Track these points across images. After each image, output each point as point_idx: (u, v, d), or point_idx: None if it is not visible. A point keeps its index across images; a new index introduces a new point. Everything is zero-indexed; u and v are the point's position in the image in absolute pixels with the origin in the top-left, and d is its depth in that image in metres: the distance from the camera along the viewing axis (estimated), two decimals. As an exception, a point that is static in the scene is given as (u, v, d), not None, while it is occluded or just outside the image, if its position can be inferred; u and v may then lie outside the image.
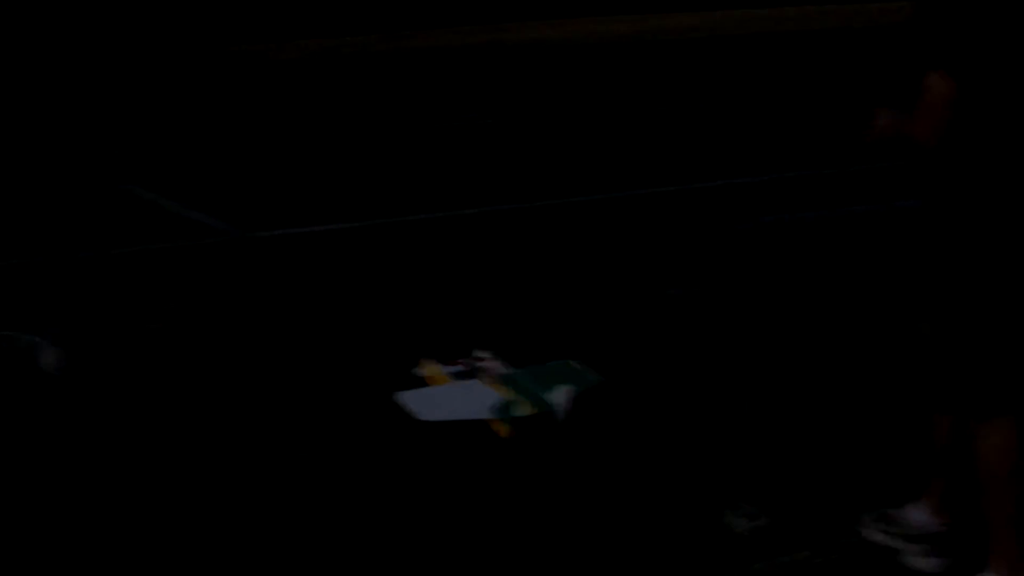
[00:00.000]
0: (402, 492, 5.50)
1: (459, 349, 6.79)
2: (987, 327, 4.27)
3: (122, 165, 13.36)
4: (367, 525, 5.22)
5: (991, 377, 4.31)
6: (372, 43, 25.22)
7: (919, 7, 4.21)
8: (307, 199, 11.69)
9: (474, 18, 28.04)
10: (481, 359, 6.58)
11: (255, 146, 14.72)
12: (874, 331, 6.97)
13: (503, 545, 5.04)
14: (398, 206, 11.20)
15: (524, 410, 6.04)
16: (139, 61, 22.81)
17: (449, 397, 6.26)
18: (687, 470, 5.61)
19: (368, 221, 10.64)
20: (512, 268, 9.07)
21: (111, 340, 7.50)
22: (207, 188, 12.29)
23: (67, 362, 6.81)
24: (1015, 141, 4.20)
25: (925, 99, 4.14)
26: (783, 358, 6.77)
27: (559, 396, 6.07)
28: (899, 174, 4.24)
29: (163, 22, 25.82)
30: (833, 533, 4.93)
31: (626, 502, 5.34)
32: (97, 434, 6.16)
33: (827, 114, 14.61)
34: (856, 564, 4.79)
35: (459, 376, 6.48)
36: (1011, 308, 4.27)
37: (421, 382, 6.52)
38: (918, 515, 4.78)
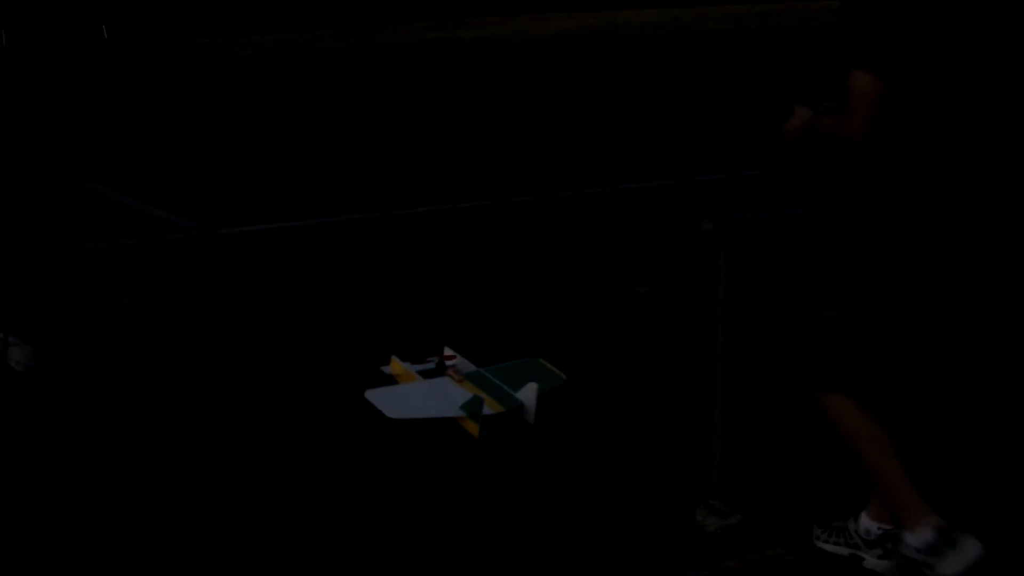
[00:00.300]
0: (372, 490, 5.52)
1: (427, 347, 6.81)
2: (883, 313, 4.41)
3: (80, 161, 13.26)
4: (336, 523, 5.24)
5: (871, 356, 4.47)
6: (326, 39, 25.12)
7: (844, 6, 4.31)
8: (269, 195, 11.65)
9: (428, 15, 27.98)
10: (449, 357, 6.59)
11: (216, 142, 14.65)
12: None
13: (474, 543, 5.07)
14: (359, 203, 11.19)
15: (492, 408, 6.06)
16: (96, 56, 22.63)
17: (418, 395, 6.27)
18: (658, 468, 5.66)
19: (329, 218, 10.62)
20: (478, 265, 9.09)
21: (80, 337, 7.47)
22: (167, 184, 12.23)
23: (36, 360, 6.78)
24: (938, 138, 4.32)
25: (853, 97, 4.23)
26: (756, 354, 6.82)
27: (527, 394, 6.09)
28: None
29: (118, 16, 25.63)
30: (805, 530, 4.99)
31: (597, 500, 5.38)
32: (67, 432, 6.15)
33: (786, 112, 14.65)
34: (827, 561, 4.86)
35: (427, 374, 6.49)
36: (909, 298, 4.41)
37: (390, 380, 6.53)
38: (867, 522, 4.85)
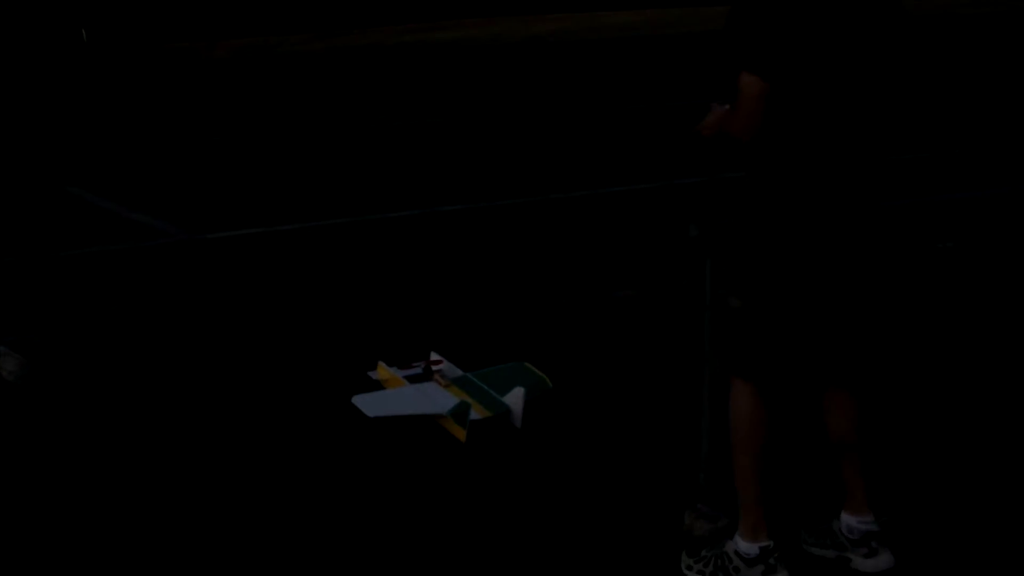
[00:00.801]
0: (360, 496, 5.53)
1: (414, 352, 6.82)
2: (780, 300, 4.56)
3: (64, 166, 13.24)
4: (325, 528, 5.26)
5: (767, 346, 4.61)
6: (307, 41, 25.12)
7: (733, 8, 4.44)
8: (253, 199, 11.65)
9: (409, 17, 27.99)
10: (436, 362, 6.61)
11: (198, 146, 14.64)
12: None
13: (462, 548, 5.09)
14: (343, 207, 11.19)
15: (479, 413, 6.08)
16: (76, 59, 22.58)
17: (405, 399, 6.28)
18: (645, 472, 5.68)
19: (314, 223, 10.63)
20: (464, 269, 9.10)
21: (70, 346, 7.46)
22: (150, 188, 12.21)
23: (27, 370, 6.77)
24: (821, 138, 4.45)
25: (739, 97, 4.38)
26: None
27: (514, 398, 6.11)
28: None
29: (98, 19, 25.58)
30: (793, 533, 5.02)
31: (584, 504, 5.41)
32: (60, 442, 6.15)
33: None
34: (813, 561, 4.90)
35: (414, 379, 6.51)
36: (804, 286, 4.55)
37: (377, 385, 6.55)
38: (848, 519, 4.91)
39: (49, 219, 10.80)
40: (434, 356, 6.65)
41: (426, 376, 6.50)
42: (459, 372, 6.53)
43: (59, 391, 6.75)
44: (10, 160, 13.58)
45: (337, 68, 21.29)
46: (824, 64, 4.41)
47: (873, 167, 4.60)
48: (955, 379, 6.71)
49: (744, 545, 4.74)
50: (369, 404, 6.19)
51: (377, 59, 22.15)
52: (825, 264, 4.56)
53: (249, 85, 19.78)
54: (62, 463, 5.91)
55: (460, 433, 5.93)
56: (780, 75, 4.36)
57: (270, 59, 22.61)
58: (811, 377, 4.86)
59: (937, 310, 7.85)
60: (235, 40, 25.13)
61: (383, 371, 6.63)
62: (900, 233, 9.12)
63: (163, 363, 7.24)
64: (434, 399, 6.22)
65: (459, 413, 5.97)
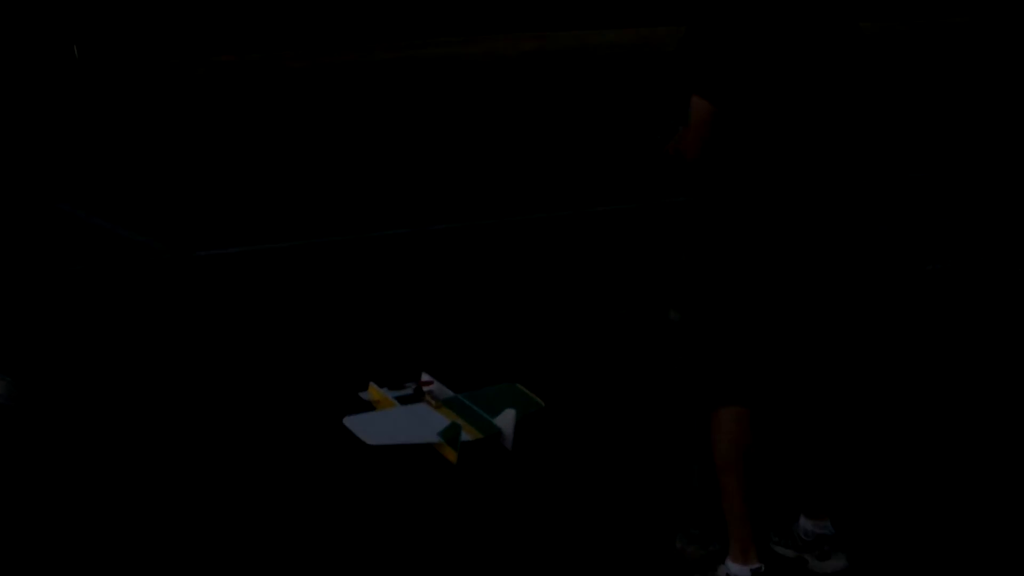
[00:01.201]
0: (351, 516, 5.53)
1: (405, 373, 6.83)
2: (730, 320, 4.63)
3: (55, 184, 13.23)
4: (316, 550, 5.25)
5: (726, 367, 4.68)
6: (296, 57, 25.15)
7: (686, 31, 4.55)
8: (245, 217, 11.65)
9: (399, 34, 28.03)
10: (427, 383, 6.60)
11: (190, 163, 14.63)
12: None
13: (453, 570, 5.09)
14: (334, 225, 11.19)
15: (470, 434, 6.08)
16: (67, 75, 22.59)
17: (396, 421, 6.28)
18: (637, 495, 5.68)
19: (306, 241, 10.63)
20: (454, 289, 9.10)
21: (58, 368, 7.44)
22: (142, 205, 12.21)
23: (17, 391, 6.75)
24: (772, 158, 4.52)
25: (690, 119, 4.48)
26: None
27: (505, 420, 6.11)
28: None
29: (90, 36, 25.60)
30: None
31: (576, 527, 5.41)
32: (49, 468, 6.14)
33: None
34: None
35: (405, 400, 6.50)
36: (754, 303, 4.61)
37: (368, 406, 6.55)
38: (804, 523, 5.04)
39: (40, 236, 10.79)
40: (425, 377, 6.65)
41: (417, 397, 6.50)
42: (450, 393, 6.52)
43: (48, 412, 6.73)
44: (2, 177, 13.57)
45: (328, 85, 21.30)
46: (775, 86, 4.46)
47: (835, 186, 4.63)
48: (930, 395, 6.75)
49: (735, 568, 4.76)
50: (360, 426, 6.18)
51: (369, 75, 22.17)
52: (762, 286, 4.60)
53: (241, 101, 19.78)
54: (51, 486, 5.90)
55: (451, 455, 5.93)
56: (729, 98, 4.44)
57: (263, 75, 22.62)
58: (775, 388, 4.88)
59: (923, 330, 7.87)
60: (227, 56, 25.15)
61: (374, 392, 6.62)
62: (885, 253, 9.17)
63: (154, 383, 7.23)
64: (425, 421, 6.21)
65: (450, 435, 5.96)
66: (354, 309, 8.65)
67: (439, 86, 20.92)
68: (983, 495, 5.63)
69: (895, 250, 9.43)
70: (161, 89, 21.22)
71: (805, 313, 4.70)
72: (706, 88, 4.44)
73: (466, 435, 6.03)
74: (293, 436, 6.38)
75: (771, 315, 4.64)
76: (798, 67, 4.47)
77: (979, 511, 5.48)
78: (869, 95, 4.72)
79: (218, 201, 12.44)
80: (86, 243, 10.63)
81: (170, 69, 23.75)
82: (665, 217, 10.99)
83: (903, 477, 5.81)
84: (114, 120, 17.99)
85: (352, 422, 6.23)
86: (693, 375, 4.84)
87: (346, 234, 10.84)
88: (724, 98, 4.43)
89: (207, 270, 9.77)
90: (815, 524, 5.01)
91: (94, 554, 5.25)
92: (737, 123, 4.47)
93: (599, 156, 14.52)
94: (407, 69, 22.86)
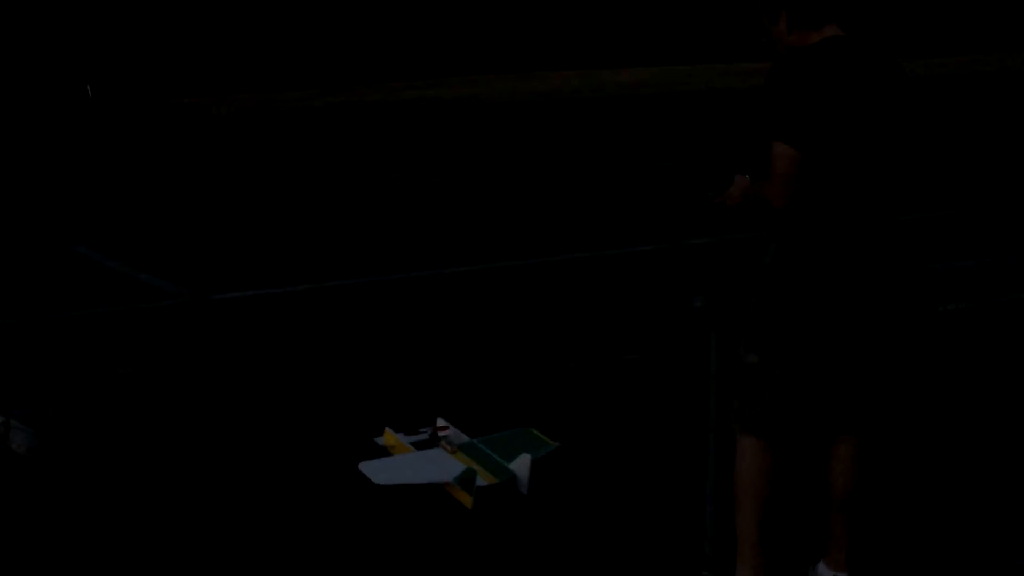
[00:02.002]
0: (367, 563, 5.55)
1: (420, 418, 6.85)
2: (800, 358, 4.74)
3: (70, 226, 13.29)
4: (336, 598, 5.27)
5: (775, 398, 4.79)
6: (311, 97, 25.24)
7: (768, 80, 4.68)
8: (260, 260, 11.69)
9: (411, 74, 28.14)
10: (442, 428, 6.63)
11: (205, 205, 14.69)
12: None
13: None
14: (350, 268, 11.24)
15: (486, 479, 6.10)
16: (82, 116, 22.70)
17: (411, 466, 6.30)
18: (651, 540, 5.69)
19: (321, 284, 10.67)
20: (470, 333, 9.12)
21: (80, 416, 7.44)
22: (156, 248, 12.26)
23: (39, 442, 6.76)
24: (850, 201, 4.66)
25: (775, 166, 4.57)
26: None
27: (520, 465, 6.13)
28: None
29: (103, 76, 25.74)
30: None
31: (592, 572, 5.42)
32: (71, 515, 6.16)
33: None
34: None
35: (421, 445, 6.52)
36: (825, 344, 4.74)
37: (383, 451, 6.57)
38: (823, 571, 5.08)
39: (58, 280, 10.84)
40: (440, 422, 6.67)
41: (432, 442, 6.52)
42: (465, 438, 6.54)
43: (70, 461, 6.75)
44: (16, 219, 13.65)
45: (340, 124, 21.37)
46: (851, 131, 4.62)
47: (896, 227, 4.78)
48: (956, 444, 6.74)
49: None
50: (376, 471, 6.20)
51: (379, 116, 22.25)
52: (847, 322, 4.72)
53: (254, 141, 19.86)
54: (70, 538, 5.92)
55: (467, 500, 5.94)
56: (811, 144, 4.56)
57: (275, 115, 22.71)
58: (821, 430, 4.98)
59: (940, 372, 7.88)
60: (240, 95, 25.26)
61: (389, 437, 6.65)
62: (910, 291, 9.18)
63: (171, 426, 7.25)
64: (440, 466, 6.23)
65: (465, 480, 5.98)
66: (369, 353, 8.67)
67: (448, 127, 21.00)
68: (992, 535, 5.63)
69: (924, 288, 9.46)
70: (176, 128, 21.30)
71: (861, 351, 4.80)
72: (791, 135, 4.56)
73: (481, 480, 6.05)
74: (309, 481, 6.40)
75: (829, 352, 4.76)
76: (870, 108, 4.65)
77: (989, 552, 5.48)
78: (922, 138, 4.85)
79: (233, 244, 12.49)
80: (104, 287, 10.67)
81: (185, 108, 23.85)
82: (679, 260, 11.03)
83: (921, 530, 5.81)
84: (128, 160, 18.06)
85: (368, 467, 6.25)
86: (743, 404, 4.91)
87: (362, 277, 10.87)
88: (807, 142, 4.55)
89: (223, 313, 9.80)
90: (836, 572, 5.04)
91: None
92: (815, 169, 4.59)
93: (612, 197, 14.55)
94: (420, 109, 22.95)
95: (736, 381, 4.93)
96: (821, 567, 5.06)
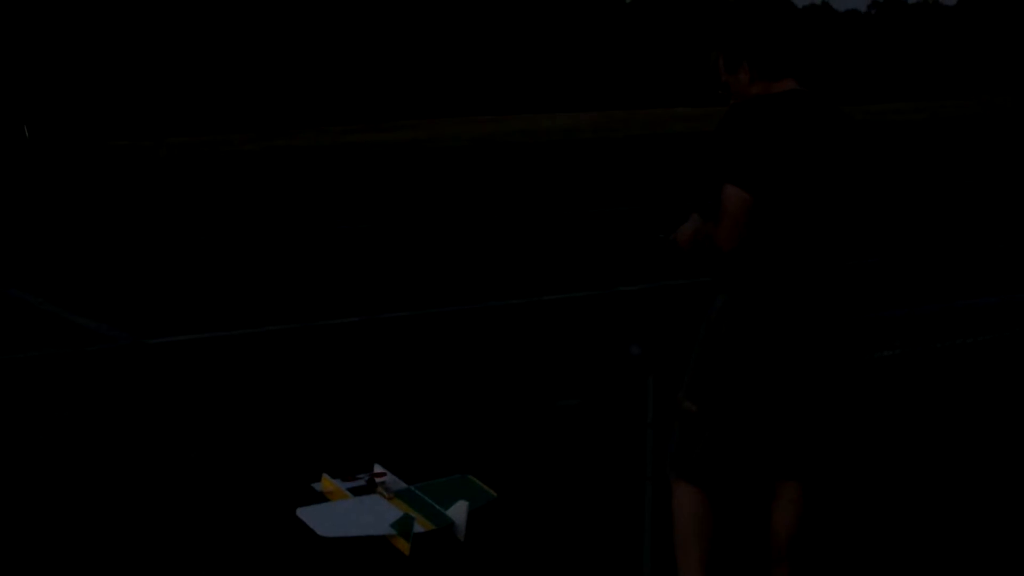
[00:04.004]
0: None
1: (358, 463, 6.84)
2: (746, 407, 4.78)
3: (4, 268, 13.19)
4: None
5: (721, 447, 4.83)
6: (248, 140, 25.21)
7: (723, 123, 4.75)
8: (196, 304, 11.65)
9: (349, 118, 28.16)
10: (379, 474, 6.62)
11: (141, 247, 14.62)
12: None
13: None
14: (284, 313, 11.22)
15: (423, 526, 6.09)
16: (17, 156, 22.56)
17: (349, 513, 6.28)
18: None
19: (257, 329, 10.64)
20: (407, 378, 9.13)
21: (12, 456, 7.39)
22: (94, 292, 12.19)
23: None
24: (798, 247, 4.73)
25: (725, 207, 4.63)
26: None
27: (458, 512, 6.13)
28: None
29: (41, 116, 25.61)
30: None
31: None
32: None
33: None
34: None
35: (358, 491, 6.51)
36: (774, 391, 4.78)
37: (321, 497, 6.55)
38: None
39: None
40: (378, 468, 6.66)
41: (370, 488, 6.51)
42: (403, 484, 6.54)
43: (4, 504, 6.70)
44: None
45: (279, 168, 21.36)
46: (802, 180, 4.69)
47: (841, 275, 4.85)
48: (899, 486, 6.80)
49: None
50: (314, 517, 6.18)
51: (318, 159, 22.26)
52: (791, 371, 4.76)
53: (192, 184, 19.81)
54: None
55: (404, 546, 5.94)
56: (762, 188, 4.62)
57: (213, 157, 22.67)
58: (760, 477, 5.01)
59: (879, 418, 7.95)
60: (178, 138, 25.21)
61: (327, 483, 6.63)
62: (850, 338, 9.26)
63: (104, 473, 7.20)
64: (378, 512, 6.22)
65: (403, 526, 5.98)
66: (307, 399, 8.65)
67: (387, 171, 21.02)
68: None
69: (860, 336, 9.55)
70: (114, 170, 21.21)
71: (802, 398, 4.84)
72: (742, 178, 4.61)
73: (419, 527, 6.04)
74: (246, 527, 6.37)
75: (772, 400, 4.79)
76: (821, 155, 4.72)
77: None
78: (872, 189, 4.92)
79: (172, 287, 12.44)
80: (38, 330, 10.60)
81: (123, 150, 23.76)
82: (616, 306, 11.08)
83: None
84: (65, 202, 17.96)
85: (305, 513, 6.23)
86: (679, 451, 4.93)
87: (299, 322, 10.86)
88: (759, 187, 4.61)
89: (158, 358, 9.75)
90: None
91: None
92: (765, 214, 4.65)
93: (550, 243, 14.60)
94: (359, 153, 22.95)
95: (673, 428, 4.96)
96: None
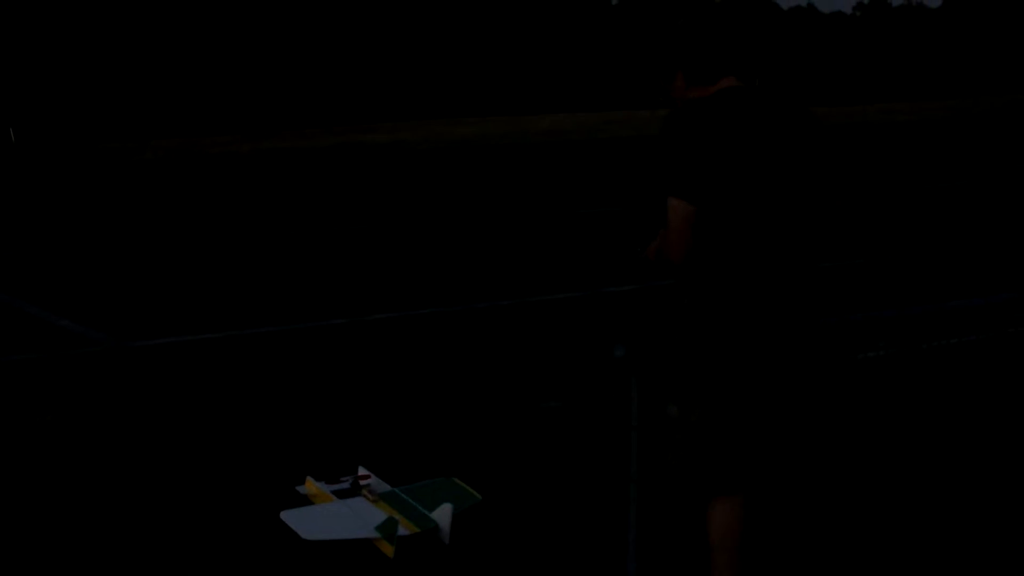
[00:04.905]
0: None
1: (342, 466, 6.83)
2: (721, 412, 4.78)
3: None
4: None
5: (720, 457, 4.82)
6: (234, 142, 25.18)
7: (661, 133, 4.71)
8: (180, 306, 11.63)
9: (337, 119, 28.14)
10: (364, 477, 6.61)
11: (126, 250, 14.59)
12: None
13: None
14: (269, 315, 11.20)
15: (407, 529, 6.08)
16: (6, 161, 22.52)
17: (333, 516, 6.27)
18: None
19: (241, 331, 10.62)
20: (392, 381, 9.11)
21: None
22: (78, 295, 12.16)
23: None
24: (751, 253, 4.69)
25: (670, 221, 4.63)
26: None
27: (442, 514, 6.12)
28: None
29: (27, 120, 25.56)
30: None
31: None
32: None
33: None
34: None
35: (342, 494, 6.50)
36: (741, 397, 4.78)
37: (305, 500, 6.54)
38: None
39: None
40: (362, 471, 6.65)
41: (354, 491, 6.49)
42: (387, 487, 6.53)
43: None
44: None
45: (266, 170, 21.34)
46: (747, 182, 4.63)
47: (804, 278, 4.81)
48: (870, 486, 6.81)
49: None
50: (298, 520, 6.17)
51: (305, 161, 22.23)
52: (758, 371, 4.75)
53: (178, 186, 19.78)
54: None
55: (388, 549, 5.93)
56: (705, 197, 4.57)
57: (200, 160, 22.64)
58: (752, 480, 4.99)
59: (865, 420, 7.96)
60: (165, 140, 25.17)
61: (311, 486, 6.62)
62: (825, 343, 9.27)
63: (87, 476, 7.18)
64: (362, 515, 6.21)
65: (387, 529, 5.97)
66: (291, 401, 8.63)
67: (373, 172, 21.00)
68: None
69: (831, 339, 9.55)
70: (100, 173, 21.17)
71: (777, 400, 4.84)
72: (683, 189, 4.58)
73: (403, 529, 6.03)
74: (230, 531, 6.35)
75: (752, 404, 4.79)
76: (769, 158, 4.66)
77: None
78: (831, 184, 4.89)
79: (156, 290, 12.42)
80: (22, 333, 10.57)
81: (109, 152, 23.72)
82: (600, 308, 11.07)
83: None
84: (51, 205, 17.92)
85: (289, 516, 6.22)
86: (689, 467, 4.92)
87: (283, 324, 10.84)
88: (700, 197, 4.58)
89: (142, 360, 9.73)
90: None
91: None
92: (712, 222, 4.62)
93: (534, 244, 14.59)
94: (345, 155, 22.94)
95: (674, 443, 4.94)
96: None
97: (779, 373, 4.77)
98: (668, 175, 4.62)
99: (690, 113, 4.67)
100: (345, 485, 6.58)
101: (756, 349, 4.71)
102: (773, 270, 4.71)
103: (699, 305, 4.72)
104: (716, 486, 4.87)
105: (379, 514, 6.17)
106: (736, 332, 4.69)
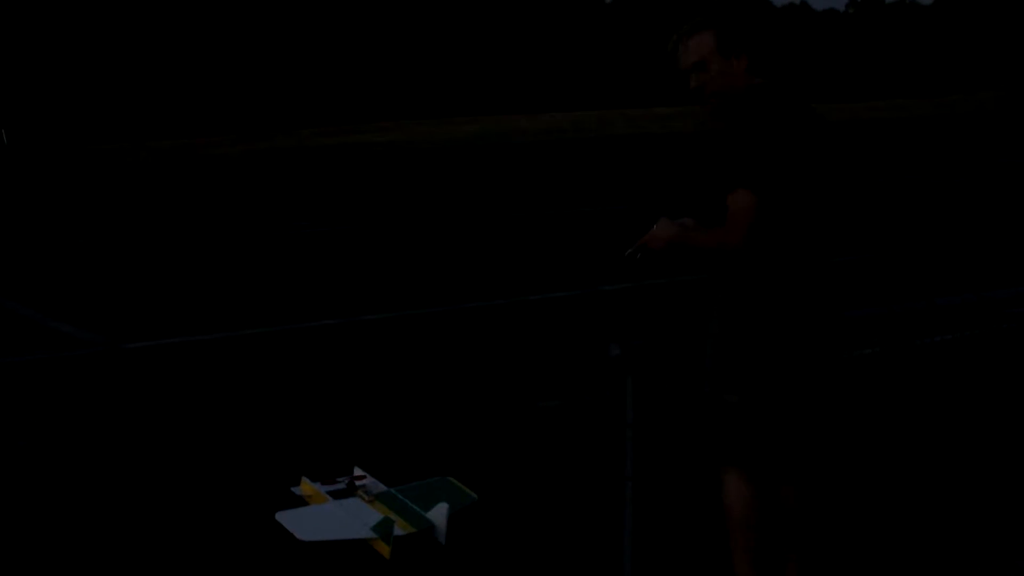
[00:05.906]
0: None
1: (337, 467, 6.81)
2: (773, 395, 4.84)
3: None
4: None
5: (775, 441, 4.89)
6: (228, 143, 25.16)
7: (720, 136, 4.78)
8: (174, 308, 11.61)
9: (330, 120, 28.12)
10: (359, 477, 6.60)
11: (120, 252, 14.57)
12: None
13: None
14: (263, 316, 11.18)
15: (403, 529, 6.07)
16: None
17: (329, 516, 6.26)
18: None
19: (236, 332, 10.60)
20: (387, 381, 9.10)
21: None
22: (72, 297, 12.14)
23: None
24: (803, 247, 4.79)
25: (733, 211, 4.66)
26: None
27: (438, 514, 6.11)
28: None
29: (19, 121, 25.52)
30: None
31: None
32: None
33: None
34: None
35: (338, 495, 6.49)
36: (798, 383, 4.85)
37: (300, 501, 6.53)
38: None
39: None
40: (358, 471, 6.64)
41: (350, 491, 6.48)
42: (383, 487, 6.52)
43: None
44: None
45: (259, 171, 21.32)
46: (796, 176, 4.72)
47: (830, 272, 4.90)
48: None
49: None
50: (293, 521, 6.16)
51: (297, 161, 22.22)
52: (804, 359, 4.82)
53: (172, 187, 19.76)
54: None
55: (384, 549, 5.92)
56: (769, 190, 4.64)
57: (192, 161, 22.62)
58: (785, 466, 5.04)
59: (859, 416, 7.95)
60: (158, 141, 25.15)
61: (306, 486, 6.61)
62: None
63: (82, 478, 7.17)
64: (358, 515, 6.20)
65: (383, 529, 5.95)
66: (286, 402, 8.62)
67: (367, 172, 20.99)
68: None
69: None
70: (93, 175, 21.14)
71: (822, 389, 4.91)
72: (750, 180, 4.62)
73: (399, 529, 6.02)
74: (225, 531, 6.34)
75: (803, 391, 4.85)
76: (808, 158, 4.77)
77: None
78: (846, 181, 4.96)
79: (149, 292, 12.39)
80: (16, 335, 10.55)
81: (103, 154, 23.70)
82: (596, 307, 11.06)
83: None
84: (44, 207, 17.90)
85: (285, 517, 6.20)
86: (752, 454, 4.96)
87: (278, 325, 10.82)
88: (766, 189, 4.63)
89: (136, 362, 9.71)
90: None
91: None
92: (771, 213, 4.68)
93: (531, 243, 14.58)
94: (338, 155, 22.92)
95: (715, 421, 4.98)
96: None
97: (826, 361, 4.87)
98: (738, 166, 4.67)
99: (756, 108, 4.73)
100: (341, 485, 6.57)
101: (809, 337, 4.80)
102: (818, 262, 4.82)
103: (756, 296, 4.79)
104: (771, 471, 4.94)
105: (375, 514, 6.16)
106: (793, 320, 4.77)
